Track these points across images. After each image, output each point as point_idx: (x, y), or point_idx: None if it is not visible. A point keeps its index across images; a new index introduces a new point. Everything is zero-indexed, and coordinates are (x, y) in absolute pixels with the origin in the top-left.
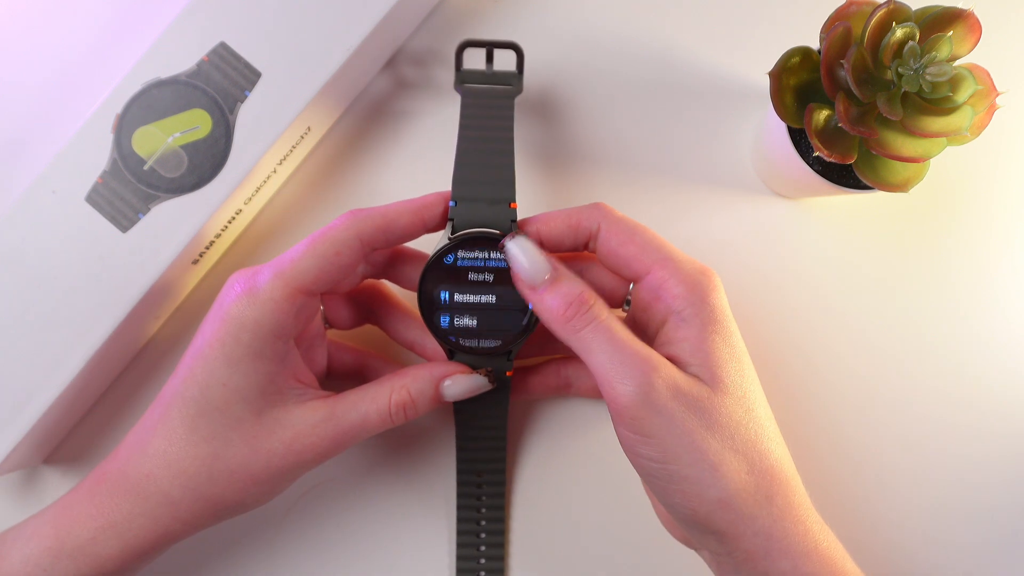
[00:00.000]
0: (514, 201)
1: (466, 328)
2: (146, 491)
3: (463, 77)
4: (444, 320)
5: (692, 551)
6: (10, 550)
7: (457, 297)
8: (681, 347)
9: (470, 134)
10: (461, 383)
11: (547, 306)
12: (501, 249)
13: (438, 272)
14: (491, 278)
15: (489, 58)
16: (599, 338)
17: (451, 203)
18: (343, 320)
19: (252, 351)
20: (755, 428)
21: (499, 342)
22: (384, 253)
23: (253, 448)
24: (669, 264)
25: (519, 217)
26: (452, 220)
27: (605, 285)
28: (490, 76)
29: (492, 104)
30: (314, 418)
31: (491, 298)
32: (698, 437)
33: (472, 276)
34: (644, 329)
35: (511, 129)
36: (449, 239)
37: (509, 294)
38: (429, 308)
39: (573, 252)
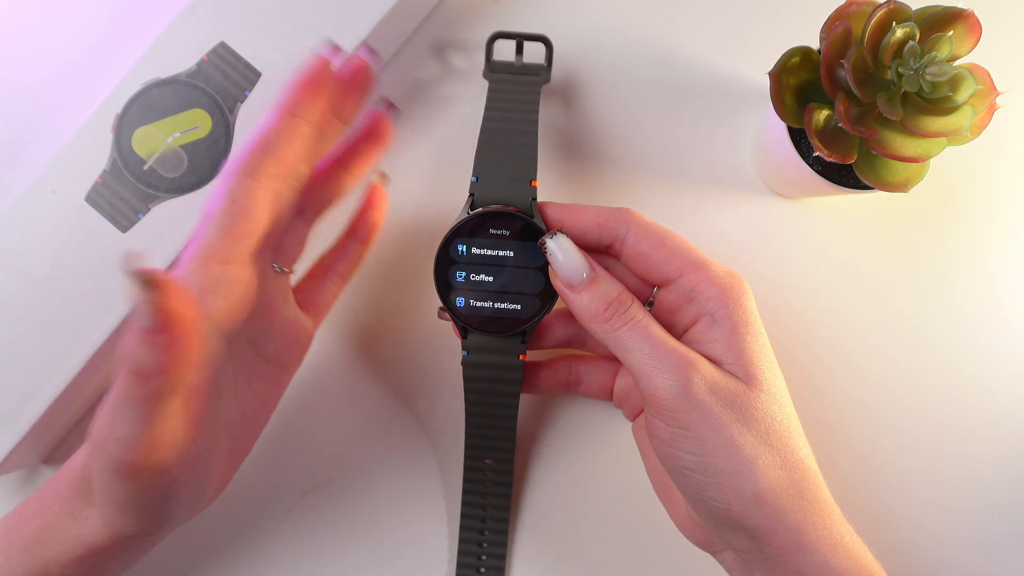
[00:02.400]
0: (535, 179)
1: (481, 305)
2: (105, 441)
3: (493, 67)
4: (459, 284)
5: (700, 550)
6: None
7: (472, 269)
8: (712, 347)
9: (495, 115)
10: None
11: (585, 306)
12: (541, 246)
13: (454, 248)
14: (509, 254)
15: (519, 50)
16: (636, 336)
17: (472, 178)
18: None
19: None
20: (787, 424)
21: (515, 312)
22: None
23: None
24: (701, 267)
25: (539, 198)
26: (472, 195)
27: (627, 288)
28: (519, 68)
29: (519, 89)
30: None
31: (506, 271)
32: (735, 431)
33: (486, 254)
34: (669, 331)
35: (536, 112)
36: (468, 213)
37: (522, 272)
38: (444, 282)
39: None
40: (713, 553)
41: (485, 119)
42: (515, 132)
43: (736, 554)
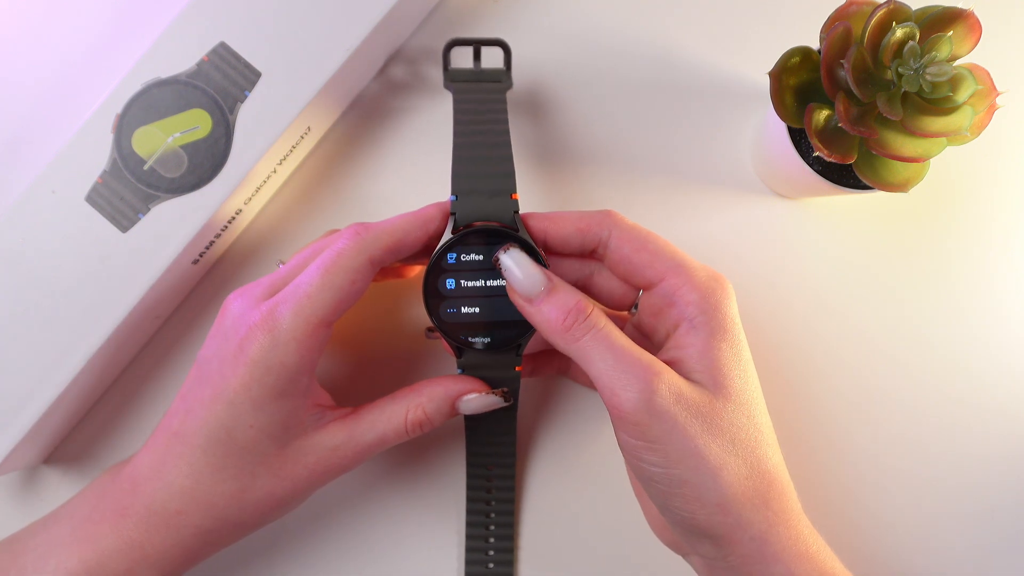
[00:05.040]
0: (515, 192)
1: (472, 323)
2: (178, 525)
3: (452, 76)
4: (450, 311)
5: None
6: None
7: (461, 291)
8: (688, 352)
9: (465, 128)
10: (477, 401)
11: (544, 317)
12: (495, 263)
13: (441, 271)
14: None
15: (477, 56)
16: (599, 346)
17: (451, 197)
18: None
19: (277, 391)
20: (755, 434)
21: (506, 336)
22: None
23: (279, 477)
24: (682, 271)
25: (521, 209)
26: (454, 214)
27: (615, 291)
28: (479, 74)
29: (485, 99)
30: (334, 441)
31: (496, 291)
32: (700, 442)
33: (473, 274)
34: (651, 335)
35: (506, 121)
36: (452, 234)
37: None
38: (435, 305)
39: (579, 257)
40: (683, 556)
41: (456, 134)
42: (488, 145)
43: (702, 559)
